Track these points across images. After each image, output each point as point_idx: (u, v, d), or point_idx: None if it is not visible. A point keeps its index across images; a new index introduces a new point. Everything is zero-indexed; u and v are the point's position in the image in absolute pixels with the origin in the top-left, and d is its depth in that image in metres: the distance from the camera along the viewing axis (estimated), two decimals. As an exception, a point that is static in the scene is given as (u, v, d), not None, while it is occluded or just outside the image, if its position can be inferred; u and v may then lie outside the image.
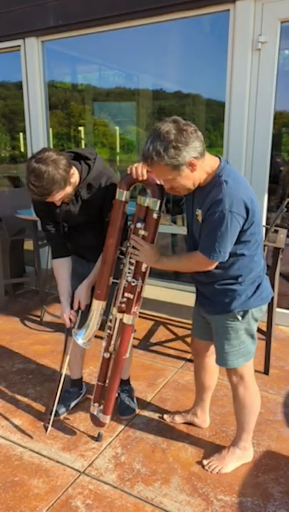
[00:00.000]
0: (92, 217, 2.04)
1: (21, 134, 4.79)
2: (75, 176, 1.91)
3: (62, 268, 2.15)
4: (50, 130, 4.25)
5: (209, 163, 1.64)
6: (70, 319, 2.11)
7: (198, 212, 1.68)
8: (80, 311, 2.12)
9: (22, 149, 4.85)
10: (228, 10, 3.02)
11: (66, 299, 2.13)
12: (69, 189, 1.88)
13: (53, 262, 2.18)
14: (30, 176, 1.76)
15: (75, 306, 2.10)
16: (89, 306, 2.03)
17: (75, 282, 2.19)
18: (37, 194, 1.79)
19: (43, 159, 1.76)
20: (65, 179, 1.81)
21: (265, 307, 1.86)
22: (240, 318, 1.79)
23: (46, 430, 2.21)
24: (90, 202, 2.00)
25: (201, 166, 1.60)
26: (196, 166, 1.57)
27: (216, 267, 1.71)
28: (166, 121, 1.55)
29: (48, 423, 2.22)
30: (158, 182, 1.76)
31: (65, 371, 2.20)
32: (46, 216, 2.08)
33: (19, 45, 4.01)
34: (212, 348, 2.03)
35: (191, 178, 1.61)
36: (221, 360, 1.88)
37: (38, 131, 4.13)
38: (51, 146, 4.22)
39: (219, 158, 1.69)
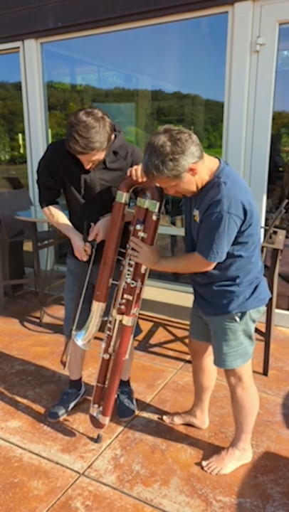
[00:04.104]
0: (109, 191, 2.00)
1: (20, 135, 4.79)
2: (112, 138, 1.89)
3: (57, 212, 2.10)
4: (50, 131, 4.25)
5: (208, 164, 1.65)
6: (85, 250, 1.98)
7: (196, 212, 1.69)
8: (93, 249, 2.00)
9: (21, 150, 4.85)
10: (227, 12, 3.03)
11: (76, 233, 2.02)
12: (104, 153, 1.87)
13: (47, 209, 2.11)
14: (79, 126, 1.72)
15: (91, 237, 1.97)
16: (89, 308, 2.02)
17: (71, 281, 2.19)
18: (80, 146, 1.74)
19: (93, 114, 1.75)
20: (109, 140, 1.81)
21: (262, 308, 1.86)
22: (238, 319, 1.80)
23: (64, 366, 2.23)
24: (114, 170, 1.98)
25: (201, 168, 1.61)
26: (196, 169, 1.59)
27: (214, 268, 1.72)
28: (160, 134, 1.56)
29: (65, 357, 2.22)
30: (158, 184, 1.76)
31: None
32: (56, 178, 2.02)
33: (18, 47, 4.01)
34: (210, 349, 2.04)
35: (193, 182, 1.63)
36: (219, 361, 1.89)
37: (37, 132, 4.14)
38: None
39: (219, 159, 1.70)
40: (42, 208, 2.14)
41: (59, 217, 2.10)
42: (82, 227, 2.04)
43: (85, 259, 2.00)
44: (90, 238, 1.98)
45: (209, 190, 1.63)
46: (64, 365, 2.21)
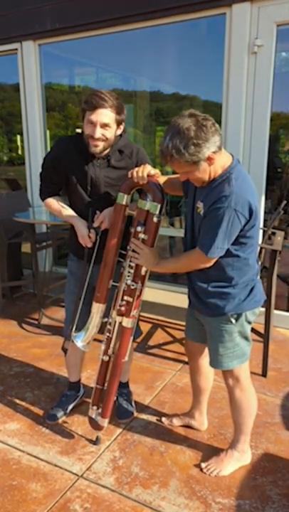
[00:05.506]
0: (114, 190, 2.00)
1: (18, 137, 4.79)
2: (121, 128, 1.95)
3: (60, 202, 2.10)
4: (48, 132, 4.25)
5: (223, 158, 1.64)
6: (90, 237, 1.98)
7: (200, 205, 1.68)
8: (97, 236, 1.99)
9: (19, 151, 4.85)
10: (225, 13, 3.04)
11: (80, 220, 2.02)
12: (113, 130, 1.89)
13: (48, 199, 2.11)
14: (100, 90, 1.86)
15: (97, 224, 1.97)
16: (89, 310, 2.02)
17: (73, 282, 2.18)
18: (99, 97, 1.82)
19: (108, 92, 1.89)
20: (123, 111, 1.90)
21: (258, 310, 1.86)
22: (234, 321, 1.80)
23: (65, 353, 2.30)
24: (119, 168, 2.00)
25: (218, 159, 1.60)
26: (214, 160, 1.57)
27: (212, 267, 1.72)
28: (185, 116, 1.53)
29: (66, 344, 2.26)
30: (159, 186, 1.76)
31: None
32: (61, 174, 2.04)
33: (16, 49, 4.01)
34: (206, 351, 2.03)
35: (207, 172, 1.61)
36: (215, 362, 1.89)
37: (35, 133, 4.14)
38: (48, 149, 4.22)
39: (232, 156, 1.69)
40: (43, 200, 2.14)
41: (62, 206, 2.10)
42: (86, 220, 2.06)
43: (89, 245, 2.00)
44: (96, 225, 1.98)
45: (219, 185, 1.61)
46: (65, 352, 2.27)
